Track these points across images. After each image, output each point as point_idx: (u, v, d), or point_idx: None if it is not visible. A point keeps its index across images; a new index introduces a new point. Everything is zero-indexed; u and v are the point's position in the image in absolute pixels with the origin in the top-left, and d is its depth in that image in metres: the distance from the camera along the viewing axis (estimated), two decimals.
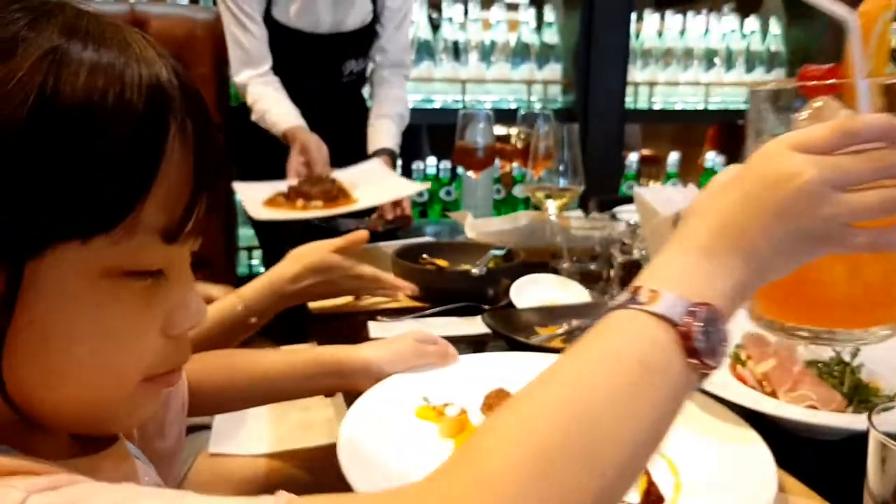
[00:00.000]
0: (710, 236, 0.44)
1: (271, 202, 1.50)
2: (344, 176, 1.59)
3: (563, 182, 1.21)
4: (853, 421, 0.69)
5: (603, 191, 2.40)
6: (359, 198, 1.52)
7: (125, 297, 0.40)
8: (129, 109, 0.36)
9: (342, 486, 0.61)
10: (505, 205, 2.48)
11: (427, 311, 1.06)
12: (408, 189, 1.67)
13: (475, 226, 1.49)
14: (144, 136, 0.37)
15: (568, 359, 0.42)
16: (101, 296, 0.39)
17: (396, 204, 1.77)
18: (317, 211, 1.43)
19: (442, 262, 1.22)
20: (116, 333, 0.40)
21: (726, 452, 0.67)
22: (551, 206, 1.22)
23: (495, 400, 0.73)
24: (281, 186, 1.55)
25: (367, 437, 0.69)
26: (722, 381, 0.78)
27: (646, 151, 3.31)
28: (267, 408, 0.95)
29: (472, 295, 1.07)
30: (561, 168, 1.21)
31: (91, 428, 0.45)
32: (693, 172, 3.30)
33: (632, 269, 1.10)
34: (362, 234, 1.06)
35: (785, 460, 0.64)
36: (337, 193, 1.50)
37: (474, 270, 1.10)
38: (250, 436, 0.91)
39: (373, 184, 1.59)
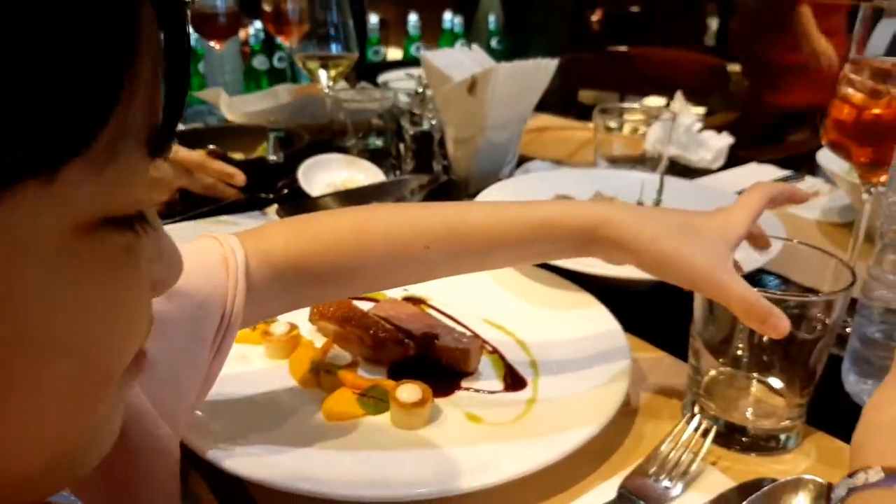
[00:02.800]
0: None
1: None
2: None
3: (335, 49, 1.09)
4: None
5: None
6: None
7: (112, 260, 0.24)
8: None
9: None
10: (248, 78, 2.27)
11: (205, 210, 0.92)
12: None
13: (233, 105, 1.32)
14: None
15: None
16: (82, 264, 0.23)
17: None
18: None
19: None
20: (111, 316, 0.25)
21: (569, 319, 0.67)
22: (324, 76, 1.10)
23: (326, 306, 0.65)
24: None
25: None
26: None
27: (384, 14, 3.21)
28: None
29: (261, 186, 0.94)
30: (332, 33, 1.08)
31: (62, 474, 0.27)
32: (433, 35, 3.28)
33: (424, 141, 1.04)
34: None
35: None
36: None
37: (272, 157, 0.96)
38: None
39: None
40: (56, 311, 0.22)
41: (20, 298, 0.21)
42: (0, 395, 0.22)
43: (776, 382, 0.53)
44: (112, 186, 0.23)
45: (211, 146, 1.04)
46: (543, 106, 1.08)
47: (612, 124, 0.95)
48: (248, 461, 0.48)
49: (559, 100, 1.14)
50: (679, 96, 1.24)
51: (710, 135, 1.21)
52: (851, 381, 0.58)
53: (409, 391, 0.55)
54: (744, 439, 0.52)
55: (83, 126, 0.21)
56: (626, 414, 0.56)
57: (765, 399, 0.54)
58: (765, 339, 0.50)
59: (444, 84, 0.94)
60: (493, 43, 3.33)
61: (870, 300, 0.55)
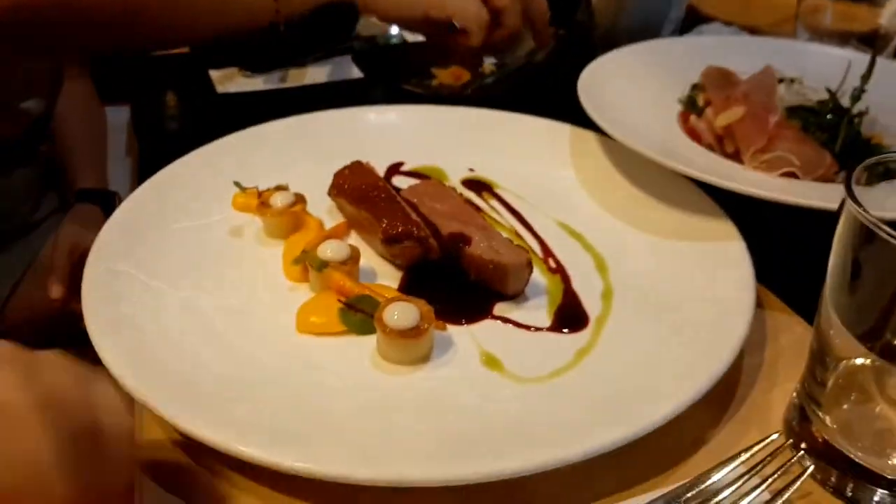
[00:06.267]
0: None
1: None
2: None
3: None
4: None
5: None
6: None
7: None
8: None
9: None
10: None
11: None
12: None
13: None
14: None
15: None
16: None
17: None
18: None
19: None
20: None
21: (687, 249, 0.47)
22: None
23: (347, 177, 0.50)
24: None
25: None
26: (666, 138, 0.56)
27: None
28: None
29: None
30: None
31: None
32: None
33: None
34: None
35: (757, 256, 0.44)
36: None
37: None
38: None
39: None
40: None
41: None
42: None
43: None
44: None
45: None
46: None
47: None
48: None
49: None
50: None
51: None
52: None
53: (401, 312, 0.40)
54: (879, 492, 0.32)
55: None
56: (706, 403, 0.36)
57: None
58: None
59: None
60: None
61: None
